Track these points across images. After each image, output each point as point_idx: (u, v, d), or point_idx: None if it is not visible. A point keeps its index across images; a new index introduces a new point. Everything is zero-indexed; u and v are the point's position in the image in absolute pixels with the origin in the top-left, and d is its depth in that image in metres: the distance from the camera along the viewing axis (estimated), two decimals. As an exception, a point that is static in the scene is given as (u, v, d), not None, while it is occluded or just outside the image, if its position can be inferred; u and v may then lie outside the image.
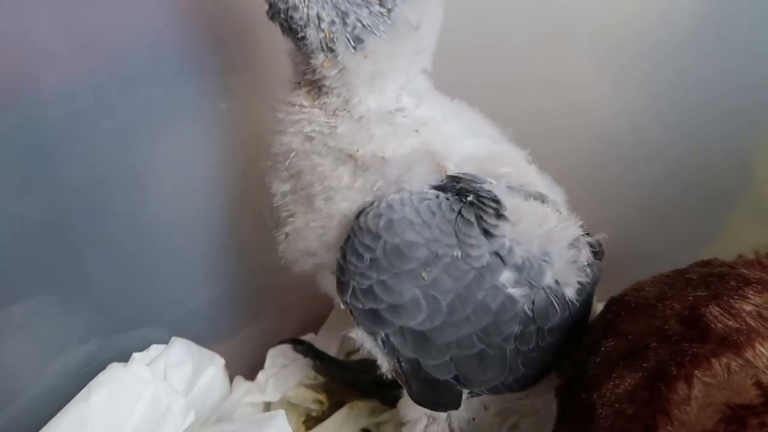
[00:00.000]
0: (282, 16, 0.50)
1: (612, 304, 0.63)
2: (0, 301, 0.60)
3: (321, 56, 0.51)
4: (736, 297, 0.52)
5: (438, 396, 0.60)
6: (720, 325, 0.50)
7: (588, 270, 0.60)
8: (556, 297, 0.58)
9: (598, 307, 0.66)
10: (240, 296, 0.84)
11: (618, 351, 0.55)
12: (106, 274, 0.68)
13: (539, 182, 0.63)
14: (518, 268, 0.55)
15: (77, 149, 0.61)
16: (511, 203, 0.55)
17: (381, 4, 0.51)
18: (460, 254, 0.53)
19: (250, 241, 0.65)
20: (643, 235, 0.87)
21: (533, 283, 0.56)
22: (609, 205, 0.83)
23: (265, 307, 0.87)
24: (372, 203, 0.54)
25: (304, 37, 0.51)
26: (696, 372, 0.48)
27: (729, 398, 0.46)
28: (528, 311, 0.57)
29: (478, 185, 0.55)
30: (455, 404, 0.61)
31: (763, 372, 0.46)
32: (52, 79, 0.59)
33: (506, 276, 0.55)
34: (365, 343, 0.58)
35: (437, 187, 0.55)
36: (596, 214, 0.74)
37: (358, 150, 0.54)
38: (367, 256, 0.53)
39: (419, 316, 0.54)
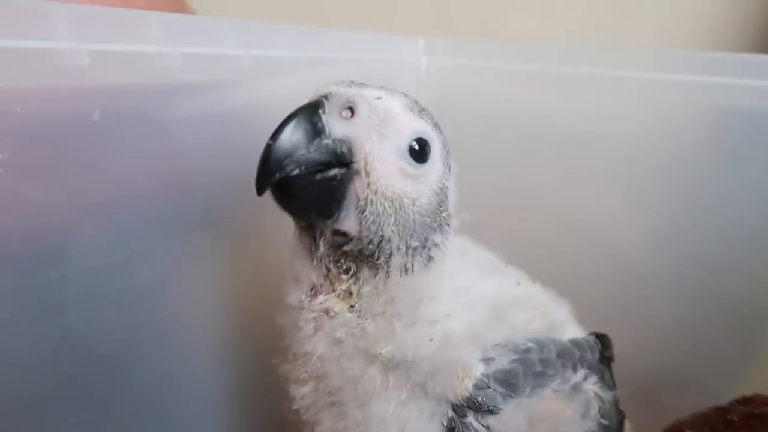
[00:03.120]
0: (371, 247, 0.50)
1: (652, 446, 0.61)
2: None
3: (395, 275, 0.52)
4: (779, 442, 0.50)
5: None
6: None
7: (600, 418, 0.60)
8: None
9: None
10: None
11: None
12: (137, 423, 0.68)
13: (557, 312, 0.65)
14: None
15: (110, 300, 0.62)
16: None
17: (446, 219, 0.54)
18: None
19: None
20: (677, 361, 0.86)
21: None
22: (636, 331, 0.83)
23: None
24: None
25: (386, 262, 0.51)
26: None
27: None
28: None
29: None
30: None
31: None
32: (91, 232, 0.60)
33: None
34: None
35: (454, 407, 0.54)
36: (624, 341, 0.73)
37: (381, 352, 0.53)
38: None
39: None
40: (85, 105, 0.55)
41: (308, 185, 0.48)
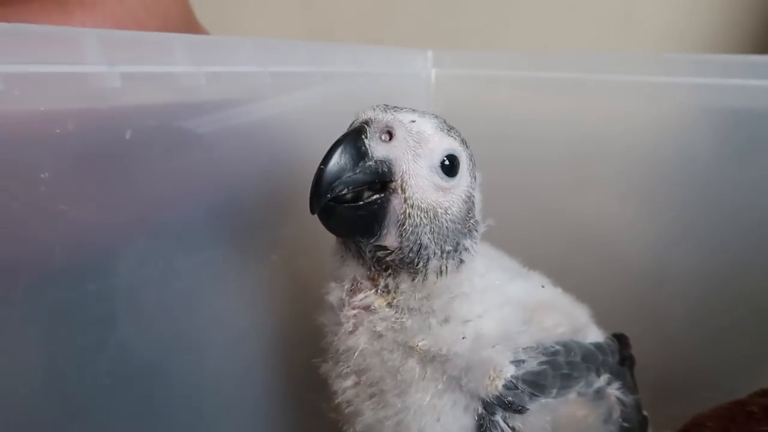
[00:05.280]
0: (410, 255, 0.55)
1: (674, 440, 0.62)
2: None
3: (432, 277, 0.56)
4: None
5: None
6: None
7: (622, 422, 0.62)
8: None
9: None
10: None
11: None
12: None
13: (580, 316, 0.66)
14: None
15: (146, 313, 0.63)
16: None
17: (474, 225, 0.58)
18: None
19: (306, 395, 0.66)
20: (694, 363, 0.87)
21: None
22: (652, 333, 0.84)
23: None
24: None
25: (424, 266, 0.55)
26: None
27: None
28: None
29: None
30: None
31: None
32: (126, 245, 0.61)
33: None
34: None
35: (484, 404, 0.56)
36: (641, 343, 0.74)
37: (418, 345, 0.56)
38: None
39: None
40: (117, 125, 0.57)
41: (352, 211, 0.53)
